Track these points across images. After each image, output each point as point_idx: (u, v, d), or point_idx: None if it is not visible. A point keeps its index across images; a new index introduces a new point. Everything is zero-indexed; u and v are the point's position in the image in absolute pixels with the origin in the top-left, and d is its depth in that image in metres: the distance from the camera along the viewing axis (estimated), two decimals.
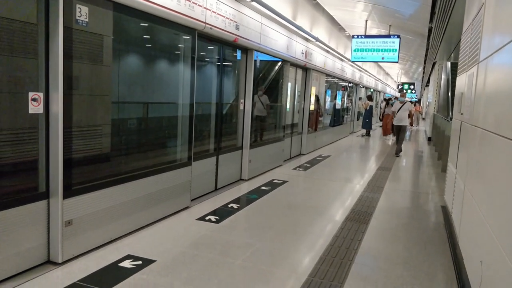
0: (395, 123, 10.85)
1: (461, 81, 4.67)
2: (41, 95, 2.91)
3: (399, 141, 10.72)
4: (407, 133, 11.35)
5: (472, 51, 3.91)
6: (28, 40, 2.90)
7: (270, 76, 8.19)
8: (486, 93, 2.98)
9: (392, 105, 12.74)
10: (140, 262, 3.23)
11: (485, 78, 3.06)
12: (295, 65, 8.72)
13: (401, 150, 10.73)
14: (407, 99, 11.36)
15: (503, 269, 1.97)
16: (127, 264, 3.19)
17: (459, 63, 5.20)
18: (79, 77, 3.15)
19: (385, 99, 15.06)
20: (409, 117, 10.81)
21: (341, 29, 12.18)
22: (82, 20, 3.06)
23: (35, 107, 2.88)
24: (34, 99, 2.86)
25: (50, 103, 2.96)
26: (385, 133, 15.18)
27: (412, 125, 11.44)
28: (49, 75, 2.94)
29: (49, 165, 3.02)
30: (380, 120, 15.80)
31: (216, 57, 5.88)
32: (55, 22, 2.88)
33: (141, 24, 4.18)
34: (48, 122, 2.98)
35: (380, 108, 20.34)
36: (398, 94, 34.16)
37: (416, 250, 3.92)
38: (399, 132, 10.68)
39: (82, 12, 3.05)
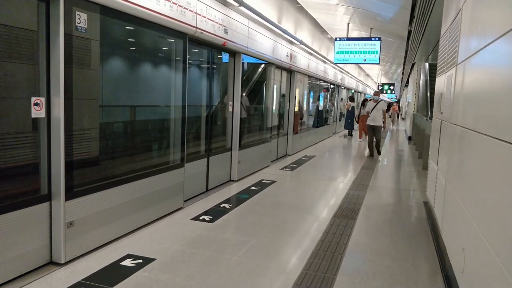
0: (368, 123, 10.29)
1: (440, 82, 4.92)
2: (43, 99, 2.99)
3: (377, 142, 10.26)
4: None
5: (451, 54, 4.15)
6: (30, 46, 2.98)
7: (255, 78, 8.36)
8: (464, 93, 3.21)
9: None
10: (140, 261, 3.33)
11: (463, 79, 3.29)
12: (280, 68, 8.91)
13: (372, 154, 10.21)
14: (385, 98, 11.41)
15: (483, 254, 2.16)
16: (128, 263, 3.29)
17: (438, 65, 5.46)
18: (78, 81, 3.23)
19: (365, 100, 14.79)
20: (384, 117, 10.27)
21: (323, 31, 12.47)
22: (81, 27, 3.15)
23: (38, 112, 2.96)
24: (36, 104, 2.94)
25: (51, 108, 3.04)
26: (361, 135, 14.75)
27: (385, 126, 10.73)
28: (50, 80, 3.03)
29: (51, 168, 3.10)
30: (357, 122, 15.12)
31: (206, 60, 6.01)
32: (56, 29, 2.97)
33: (135, 29, 4.27)
34: (50, 125, 3.06)
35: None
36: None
37: (402, 243, 4.13)
38: (373, 132, 10.18)
39: (81, 19, 3.14)
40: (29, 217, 2.99)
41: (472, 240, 2.49)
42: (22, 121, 3.03)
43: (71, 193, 3.20)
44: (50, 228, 3.16)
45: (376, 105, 10.09)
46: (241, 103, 7.00)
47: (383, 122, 10.28)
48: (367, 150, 10.46)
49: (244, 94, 7.24)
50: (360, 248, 3.95)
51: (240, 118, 6.86)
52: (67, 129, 3.11)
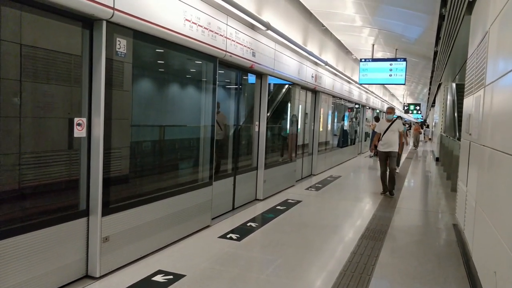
0: (380, 148, 7.80)
1: (468, 103, 4.90)
2: (84, 120, 3.19)
3: (390, 175, 7.68)
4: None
5: (478, 75, 4.16)
6: (73, 69, 3.21)
7: (280, 98, 8.48)
8: (493, 115, 3.21)
9: None
10: (171, 277, 3.42)
11: (491, 101, 3.30)
12: (305, 88, 9.02)
13: (387, 191, 7.78)
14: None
15: None
16: (159, 278, 3.39)
17: (465, 86, 5.44)
18: (117, 103, 3.42)
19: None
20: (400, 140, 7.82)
21: (348, 52, 12.57)
22: (121, 52, 3.36)
23: (79, 131, 3.15)
24: (78, 124, 3.13)
25: (92, 127, 3.23)
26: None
27: (400, 153, 8.18)
28: (92, 102, 3.23)
29: (89, 185, 3.27)
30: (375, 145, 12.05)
31: (233, 81, 6.19)
32: (99, 54, 3.19)
33: (167, 53, 4.49)
34: (90, 144, 3.24)
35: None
36: (403, 115, 34.16)
37: (431, 266, 4.07)
38: (386, 161, 7.70)
39: (121, 44, 3.35)
40: (68, 232, 3.13)
41: (504, 263, 2.47)
42: (67, 140, 3.22)
43: (107, 209, 3.34)
44: (87, 242, 3.30)
45: (390, 125, 7.72)
46: (216, 121, 5.35)
47: (400, 148, 7.87)
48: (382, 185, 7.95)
49: (220, 111, 5.96)
50: (388, 270, 3.92)
51: (216, 140, 5.38)
52: (105, 148, 3.28)
